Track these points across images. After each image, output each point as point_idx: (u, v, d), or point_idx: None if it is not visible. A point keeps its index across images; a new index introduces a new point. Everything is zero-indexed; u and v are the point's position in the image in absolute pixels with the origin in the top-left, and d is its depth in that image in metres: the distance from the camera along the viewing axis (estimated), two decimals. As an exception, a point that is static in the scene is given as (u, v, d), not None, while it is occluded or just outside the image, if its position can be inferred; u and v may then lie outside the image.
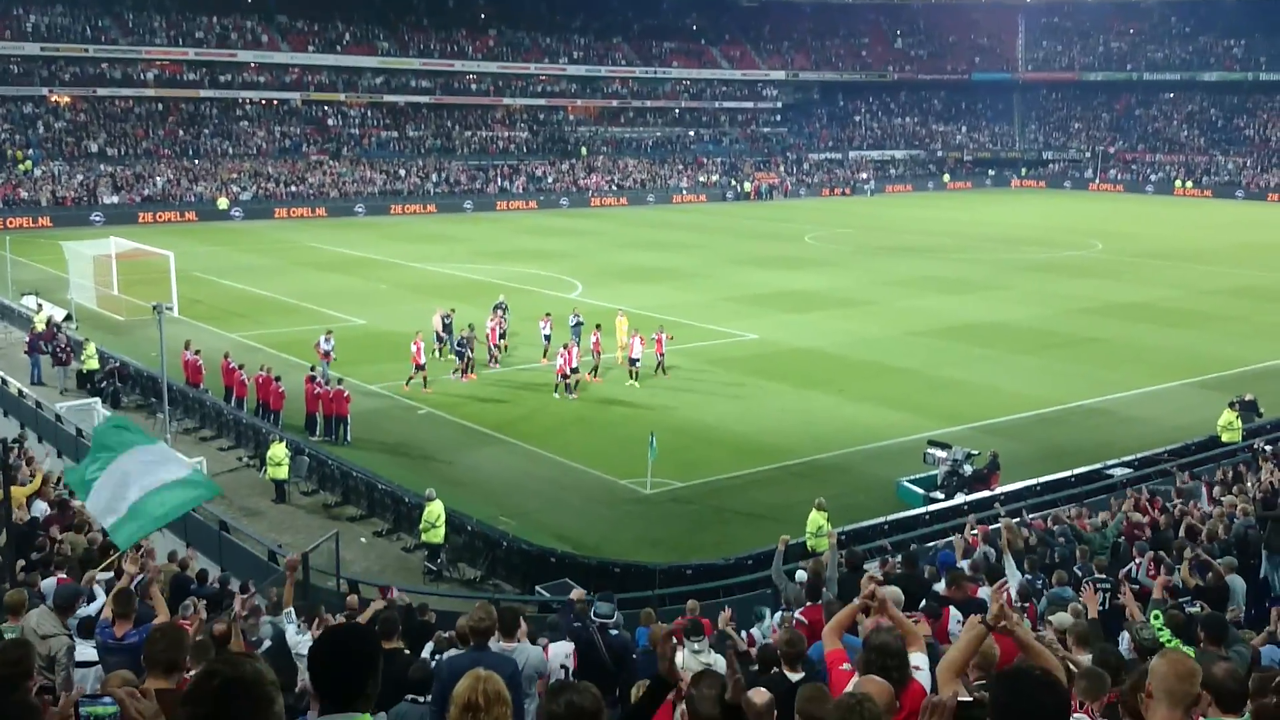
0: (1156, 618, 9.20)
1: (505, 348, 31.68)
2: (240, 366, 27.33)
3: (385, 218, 72.02)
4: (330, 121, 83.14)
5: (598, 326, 30.61)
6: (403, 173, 78.92)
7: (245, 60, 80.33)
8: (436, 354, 31.33)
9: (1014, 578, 11.89)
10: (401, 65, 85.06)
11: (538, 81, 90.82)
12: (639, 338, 29.68)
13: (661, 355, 29.97)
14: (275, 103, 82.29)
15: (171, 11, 79.14)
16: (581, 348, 29.53)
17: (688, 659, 8.71)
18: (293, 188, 74.02)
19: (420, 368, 28.23)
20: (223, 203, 69.53)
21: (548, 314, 32.59)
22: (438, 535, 18.61)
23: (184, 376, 27.99)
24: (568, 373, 27.82)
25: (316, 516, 21.32)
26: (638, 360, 29.50)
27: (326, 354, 28.42)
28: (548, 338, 31.63)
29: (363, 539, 20.21)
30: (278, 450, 21.85)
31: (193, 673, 5.99)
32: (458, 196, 77.92)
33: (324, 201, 73.17)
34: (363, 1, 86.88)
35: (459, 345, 29.99)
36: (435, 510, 18.53)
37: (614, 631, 9.54)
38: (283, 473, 21.87)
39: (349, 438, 24.79)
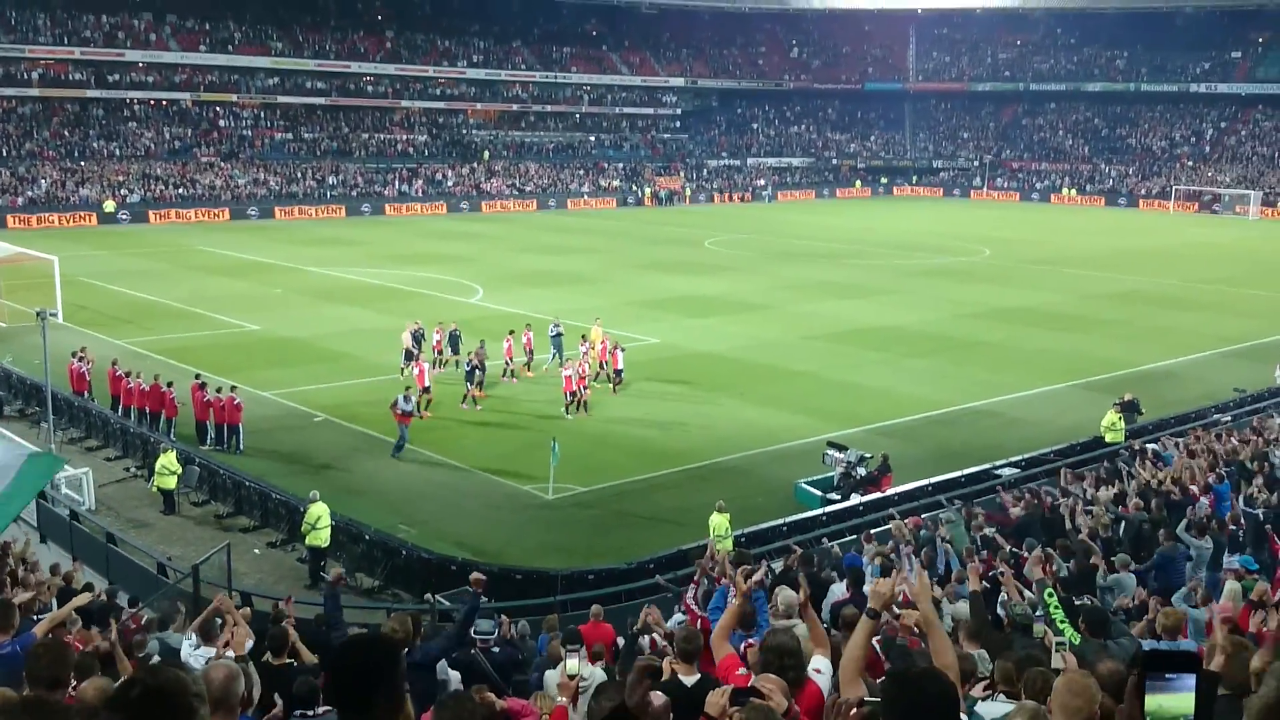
0: (1050, 595, 9.45)
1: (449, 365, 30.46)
2: (128, 374, 26.57)
3: (279, 221, 70.67)
4: (222, 123, 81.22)
5: (583, 337, 30.12)
6: (298, 175, 77.52)
7: (133, 60, 77.97)
8: (406, 372, 29.44)
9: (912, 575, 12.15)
10: (296, 66, 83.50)
11: (436, 84, 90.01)
12: (607, 343, 29.66)
13: (618, 369, 29.15)
14: (165, 103, 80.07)
15: (56, 9, 76.42)
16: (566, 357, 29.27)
17: (570, 666, 8.75)
18: (182, 190, 72.20)
19: (425, 390, 26.83)
20: (109, 205, 67.49)
21: (528, 325, 31.42)
22: (320, 537, 18.38)
23: (69, 384, 27.12)
24: (575, 390, 26.84)
25: (207, 528, 20.83)
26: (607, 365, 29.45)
27: (406, 414, 24.23)
28: (531, 351, 30.59)
29: (256, 550, 19.80)
30: (167, 460, 21.28)
31: (77, 687, 5.83)
32: (355, 199, 76.83)
33: (216, 204, 71.52)
34: (255, 1, 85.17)
35: (469, 367, 27.82)
36: (316, 511, 18.33)
37: (496, 650, 9.52)
38: (171, 483, 21.30)
39: (241, 446, 24.27)
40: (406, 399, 24.46)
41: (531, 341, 30.76)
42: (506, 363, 30.00)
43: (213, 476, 22.15)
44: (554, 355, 30.87)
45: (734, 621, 6.58)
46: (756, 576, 7.23)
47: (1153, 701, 1.89)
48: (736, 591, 6.72)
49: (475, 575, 9.50)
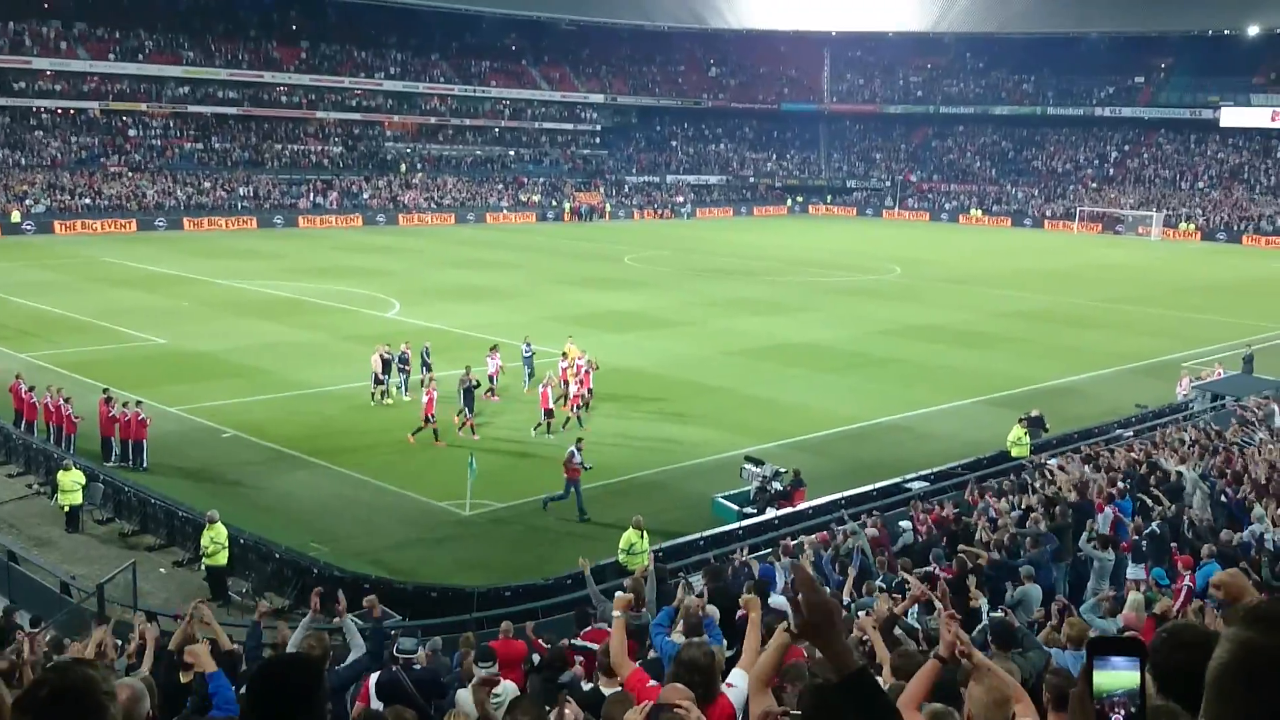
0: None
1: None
2: (31, 389, 25.86)
3: (189, 232, 69.34)
4: (131, 132, 79.47)
5: (563, 355, 29.61)
6: (208, 185, 76.11)
7: (41, 68, 75.97)
8: (377, 397, 28.66)
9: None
10: (207, 75, 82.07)
11: (352, 96, 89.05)
12: (582, 361, 28.81)
13: (588, 389, 28.47)
14: (72, 112, 78.09)
15: (-41, 15, 74.26)
16: (537, 379, 28.85)
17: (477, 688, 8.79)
18: (89, 200, 70.45)
19: (430, 419, 25.39)
20: (14, 215, 65.60)
21: (494, 348, 30.25)
22: (220, 558, 18.12)
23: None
24: (551, 409, 26.32)
25: (112, 546, 20.32)
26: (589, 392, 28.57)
27: (577, 468, 21.87)
28: (494, 376, 29.59)
29: (162, 569, 19.37)
30: (70, 476, 20.73)
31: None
32: (267, 211, 75.65)
33: (123, 215, 69.90)
34: (167, 9, 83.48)
35: (466, 390, 26.18)
36: (222, 532, 18.06)
37: (417, 666, 9.49)
38: (75, 499, 20.76)
39: (145, 463, 23.71)
40: (580, 449, 22.09)
41: (499, 361, 29.75)
42: (491, 380, 29.44)
43: (118, 494, 21.63)
44: (528, 375, 30.54)
45: (622, 641, 6.64)
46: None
47: (1100, 680, 2.05)
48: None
49: (368, 599, 9.47)
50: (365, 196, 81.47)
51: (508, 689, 8.83)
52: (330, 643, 8.94)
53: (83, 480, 20.88)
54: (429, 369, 29.09)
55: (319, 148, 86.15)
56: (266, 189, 78.23)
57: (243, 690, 7.42)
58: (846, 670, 2.73)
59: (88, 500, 21.13)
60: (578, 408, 27.47)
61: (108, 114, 78.96)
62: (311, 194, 79.53)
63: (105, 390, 25.34)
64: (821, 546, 15.79)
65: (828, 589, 13.05)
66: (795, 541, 15.93)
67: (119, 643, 10.77)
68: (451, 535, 20.94)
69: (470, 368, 27.27)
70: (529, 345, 31.11)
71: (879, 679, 5.15)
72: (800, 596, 2.82)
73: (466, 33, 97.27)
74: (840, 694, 2.81)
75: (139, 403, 24.63)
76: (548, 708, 6.58)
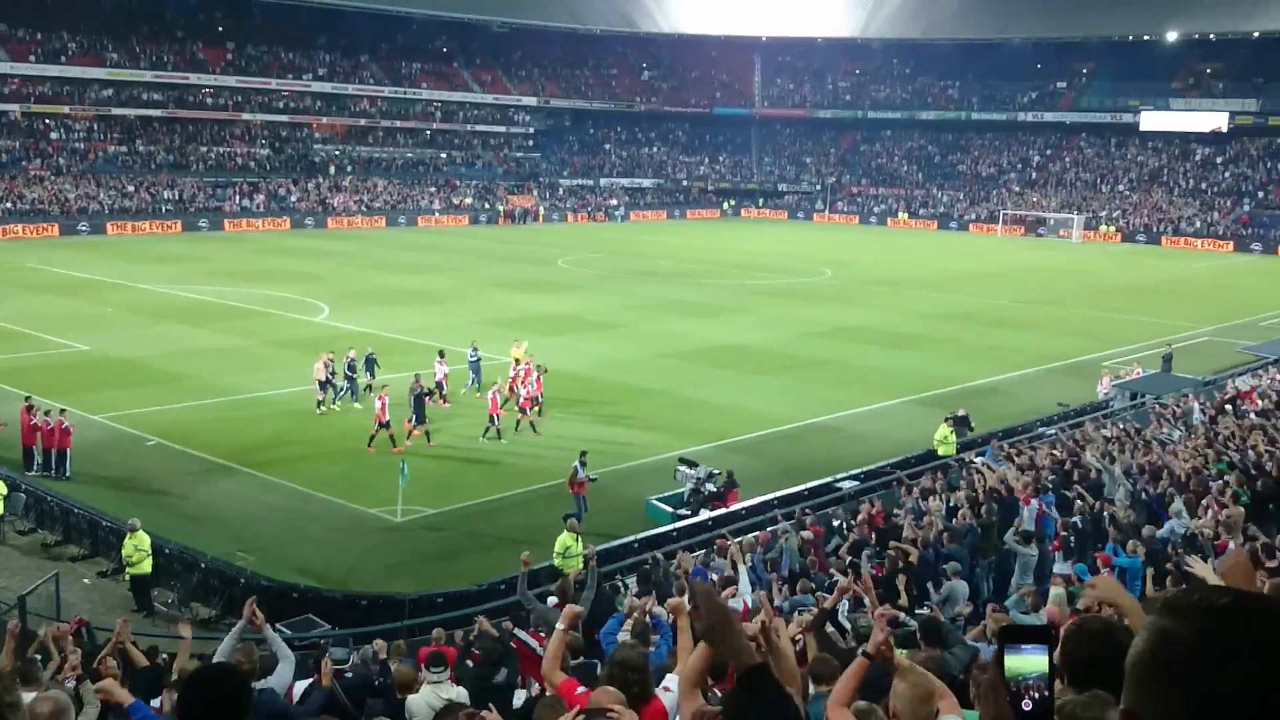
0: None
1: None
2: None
3: (112, 236, 67.90)
4: (53, 135, 77.61)
5: (516, 361, 29.29)
6: (131, 189, 74.59)
7: (-42, 70, 74.00)
8: (325, 406, 28.02)
9: (747, 588, 12.46)
10: (132, 77, 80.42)
11: (279, 97, 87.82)
12: (530, 364, 28.54)
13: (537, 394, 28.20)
14: (-9, 114, 76.18)
15: (-128, 14, 71.92)
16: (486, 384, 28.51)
17: (427, 692, 8.78)
18: (9, 204, 68.69)
19: (384, 425, 24.98)
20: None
21: (440, 354, 29.86)
22: (144, 567, 17.80)
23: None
24: (496, 414, 26.06)
25: (34, 557, 19.88)
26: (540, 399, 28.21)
27: (582, 483, 21.79)
28: (441, 383, 29.15)
29: (86, 580, 18.98)
30: (-10, 487, 20.26)
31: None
32: (192, 215, 74.34)
33: (45, 219, 68.27)
34: (90, 10, 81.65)
35: (416, 397, 26.05)
36: (146, 540, 17.75)
37: (349, 675, 9.44)
38: (-3, 510, 20.29)
39: (69, 472, 23.20)
40: (584, 463, 21.77)
41: (447, 367, 29.51)
42: (440, 386, 29.10)
43: (40, 503, 21.15)
44: (472, 380, 30.26)
45: (561, 647, 6.64)
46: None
47: (1012, 663, 2.13)
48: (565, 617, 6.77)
49: (249, 604, 8.93)
50: (293, 199, 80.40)
51: (461, 693, 8.87)
52: (258, 655, 8.82)
53: (4, 490, 20.43)
54: (373, 375, 28.93)
55: (245, 150, 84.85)
56: (192, 192, 76.89)
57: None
58: (744, 665, 2.81)
59: (9, 511, 20.67)
60: (527, 411, 27.31)
61: (29, 116, 77.04)
62: (238, 197, 78.30)
63: (27, 398, 24.76)
64: (761, 548, 15.94)
65: (759, 590, 13.17)
66: (736, 540, 16.04)
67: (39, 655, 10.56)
68: (382, 542, 20.77)
69: (419, 375, 27.09)
70: (475, 350, 30.91)
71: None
72: (698, 602, 2.90)
73: (396, 34, 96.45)
74: (737, 687, 2.89)
75: (62, 411, 24.12)
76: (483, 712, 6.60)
